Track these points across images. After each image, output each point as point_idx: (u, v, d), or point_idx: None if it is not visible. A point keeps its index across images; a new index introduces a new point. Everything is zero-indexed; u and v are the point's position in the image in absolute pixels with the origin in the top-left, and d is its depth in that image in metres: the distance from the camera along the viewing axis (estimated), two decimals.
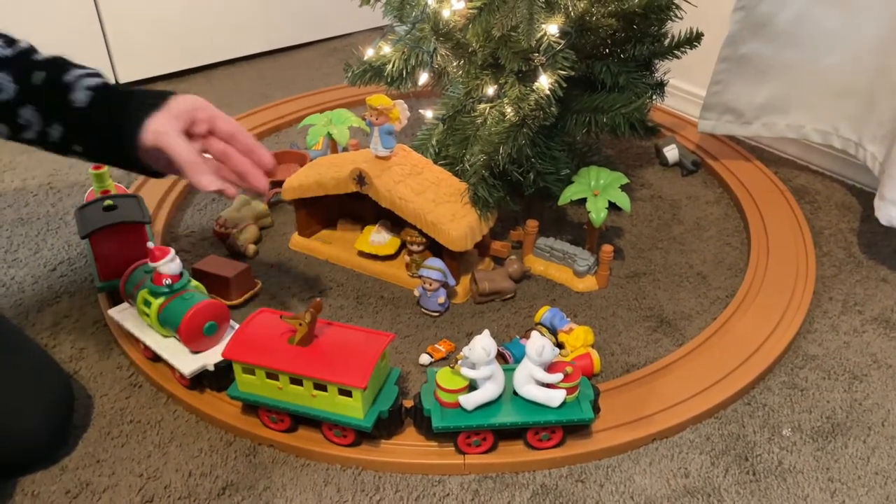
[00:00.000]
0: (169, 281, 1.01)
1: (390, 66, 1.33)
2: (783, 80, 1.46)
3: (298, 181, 1.28)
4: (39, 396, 0.95)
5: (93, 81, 0.90)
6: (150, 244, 1.02)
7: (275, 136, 1.72)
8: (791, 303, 1.20)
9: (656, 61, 1.36)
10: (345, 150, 1.49)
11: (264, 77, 2.02)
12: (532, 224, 1.30)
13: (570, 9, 1.19)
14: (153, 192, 1.45)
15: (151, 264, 1.01)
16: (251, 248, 1.32)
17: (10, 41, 0.90)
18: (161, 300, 1.02)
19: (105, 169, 1.24)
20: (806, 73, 1.43)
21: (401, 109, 1.21)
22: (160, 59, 1.97)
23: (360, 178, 1.21)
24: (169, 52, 1.97)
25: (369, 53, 1.38)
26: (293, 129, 1.75)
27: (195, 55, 2.02)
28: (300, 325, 0.94)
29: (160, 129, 0.86)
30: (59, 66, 0.90)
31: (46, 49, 0.92)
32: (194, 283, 1.07)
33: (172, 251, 1.02)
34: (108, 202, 1.17)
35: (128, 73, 1.93)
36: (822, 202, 1.50)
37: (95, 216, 1.15)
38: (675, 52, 1.34)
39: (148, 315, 1.03)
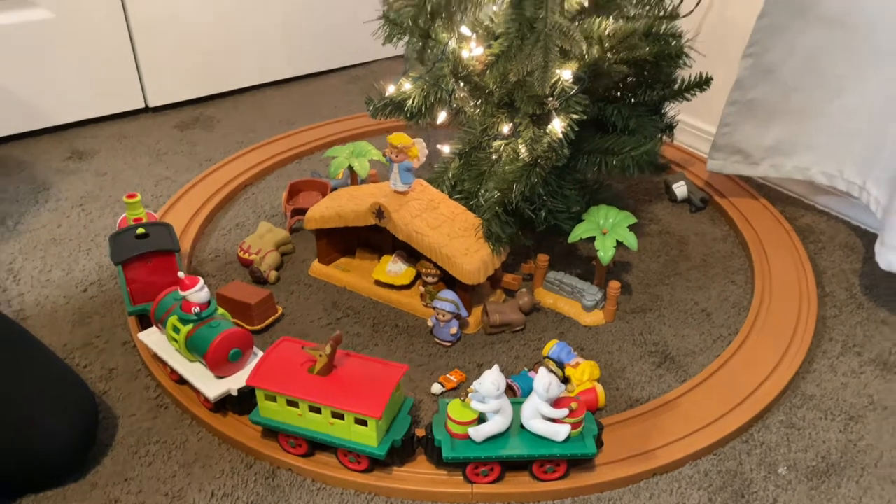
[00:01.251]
0: (197, 309, 1.07)
1: (410, 101, 1.38)
2: (790, 124, 1.50)
3: (320, 212, 1.34)
4: (64, 410, 0.99)
5: None
6: (181, 274, 1.08)
7: (296, 164, 1.78)
8: (792, 343, 1.24)
9: (666, 103, 1.41)
10: (364, 181, 1.55)
11: (289, 103, 2.09)
12: (543, 258, 1.34)
13: (584, 55, 1.24)
14: (179, 218, 1.52)
15: (181, 293, 1.07)
16: (273, 274, 1.38)
17: None
18: (189, 327, 1.07)
19: (138, 197, 1.31)
20: (812, 116, 1.47)
21: (419, 148, 1.26)
22: (189, 84, 2.04)
23: (380, 213, 1.26)
24: (198, 77, 2.04)
25: (390, 90, 1.44)
26: (315, 157, 1.81)
27: (223, 80, 2.10)
28: (320, 356, 1.00)
29: None
30: None
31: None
32: (221, 310, 1.13)
33: (201, 280, 1.07)
34: (141, 230, 1.23)
35: (158, 97, 2.00)
36: (826, 242, 1.54)
37: (128, 243, 1.21)
38: (685, 94, 1.40)
39: (176, 341, 1.09)
